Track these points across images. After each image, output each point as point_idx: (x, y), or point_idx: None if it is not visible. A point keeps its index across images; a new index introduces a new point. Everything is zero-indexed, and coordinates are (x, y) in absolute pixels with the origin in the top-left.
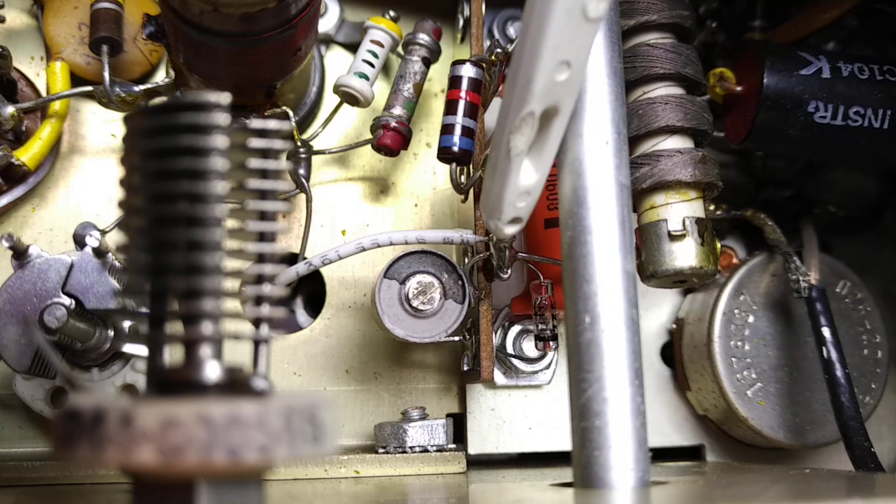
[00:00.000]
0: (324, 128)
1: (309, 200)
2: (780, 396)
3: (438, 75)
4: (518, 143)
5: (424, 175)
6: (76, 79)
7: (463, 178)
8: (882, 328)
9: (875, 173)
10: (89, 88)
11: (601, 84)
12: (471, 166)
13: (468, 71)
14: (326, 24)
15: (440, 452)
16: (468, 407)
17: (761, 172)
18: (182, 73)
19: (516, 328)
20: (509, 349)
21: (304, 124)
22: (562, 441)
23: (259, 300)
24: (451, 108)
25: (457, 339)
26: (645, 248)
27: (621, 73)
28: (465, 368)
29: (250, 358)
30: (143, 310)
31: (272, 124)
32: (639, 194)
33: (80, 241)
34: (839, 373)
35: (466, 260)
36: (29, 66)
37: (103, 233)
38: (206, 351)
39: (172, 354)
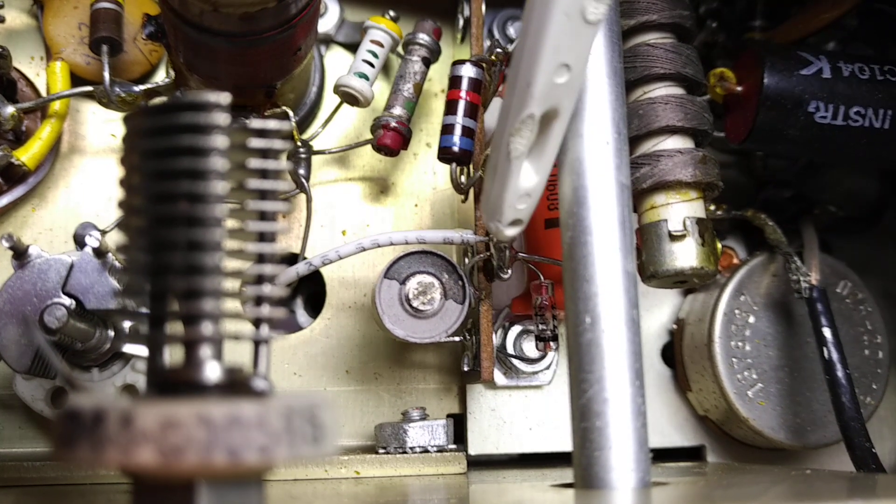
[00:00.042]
0: (324, 128)
1: (309, 200)
2: (781, 397)
3: (438, 75)
4: (518, 145)
5: (424, 175)
6: (76, 79)
7: (463, 179)
8: (883, 328)
9: (875, 173)
10: (89, 88)
11: (601, 84)
12: (471, 166)
13: (468, 71)
14: (326, 24)
15: (440, 453)
16: (468, 407)
17: (762, 172)
18: (182, 73)
19: (517, 328)
20: (510, 349)
21: (304, 124)
22: (562, 442)
23: (259, 300)
24: (451, 108)
25: (457, 339)
26: (645, 248)
27: (621, 73)
28: (466, 369)
29: (250, 358)
30: (144, 310)
31: (272, 124)
32: (639, 194)
33: (80, 241)
34: (840, 373)
35: (467, 260)
36: (29, 66)
37: (103, 233)
38: (206, 351)
39: (172, 355)
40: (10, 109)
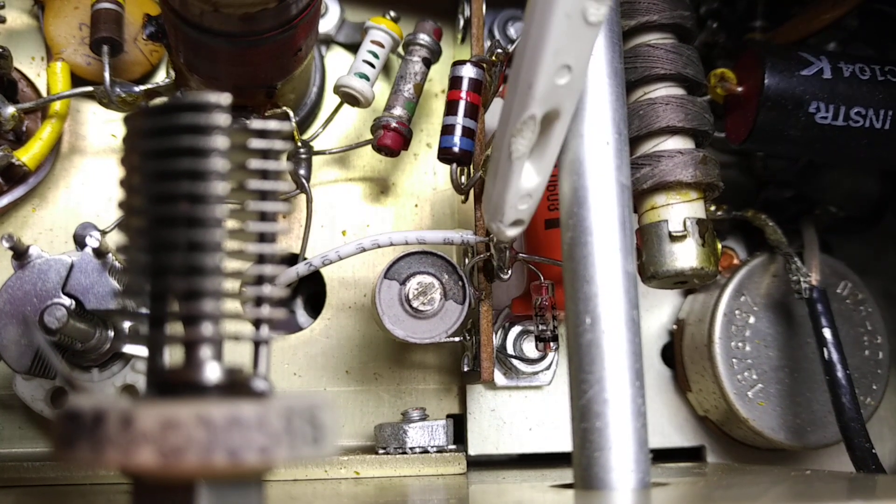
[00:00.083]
0: (324, 128)
1: (309, 201)
2: (781, 397)
3: (439, 76)
4: (519, 146)
5: (425, 175)
6: (76, 79)
7: (463, 179)
8: (883, 329)
9: (876, 174)
10: (90, 89)
11: (602, 84)
12: (471, 167)
13: (469, 71)
14: (327, 25)
15: (440, 453)
16: (468, 408)
17: (762, 173)
18: (182, 73)
19: (517, 329)
20: (510, 350)
21: (304, 125)
22: (562, 442)
23: (259, 301)
24: (451, 108)
25: (457, 339)
26: (646, 248)
27: (622, 74)
28: (466, 369)
29: (250, 359)
30: (144, 310)
31: (272, 125)
32: (639, 195)
33: (80, 242)
34: (840, 374)
35: (467, 260)
36: (29, 66)
37: (103, 233)
38: (206, 352)
39: (172, 355)
40: (11, 110)
